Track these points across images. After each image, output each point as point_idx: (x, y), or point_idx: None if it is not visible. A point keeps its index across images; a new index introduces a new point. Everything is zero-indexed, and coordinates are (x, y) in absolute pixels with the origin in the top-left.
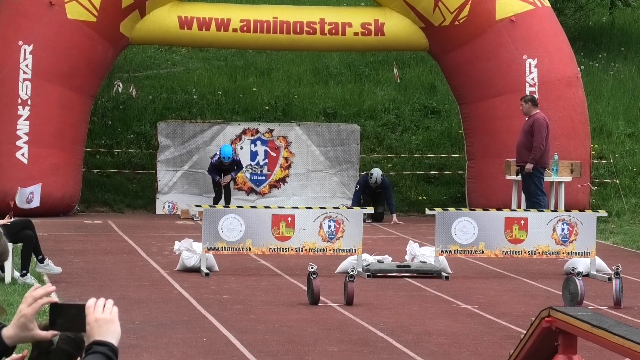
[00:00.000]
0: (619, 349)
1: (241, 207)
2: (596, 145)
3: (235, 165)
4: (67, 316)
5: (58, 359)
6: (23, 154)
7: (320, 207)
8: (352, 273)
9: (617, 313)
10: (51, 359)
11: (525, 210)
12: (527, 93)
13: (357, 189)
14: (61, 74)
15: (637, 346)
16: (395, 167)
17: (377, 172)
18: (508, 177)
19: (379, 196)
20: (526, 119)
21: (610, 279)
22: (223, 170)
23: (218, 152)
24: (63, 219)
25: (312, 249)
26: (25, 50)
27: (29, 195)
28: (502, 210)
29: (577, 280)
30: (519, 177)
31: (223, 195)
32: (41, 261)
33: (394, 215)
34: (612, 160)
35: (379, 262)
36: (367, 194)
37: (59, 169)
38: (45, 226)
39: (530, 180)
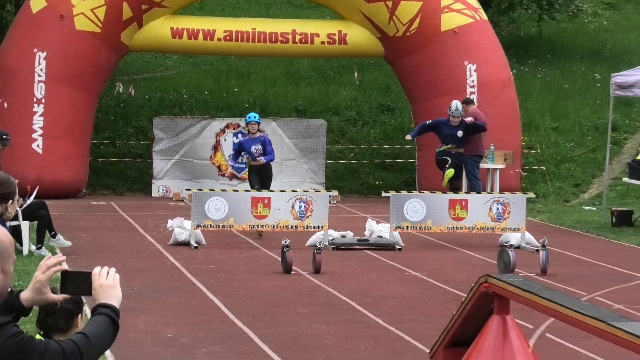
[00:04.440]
0: (545, 310)
1: (225, 190)
2: (526, 138)
3: (263, 141)
4: (75, 282)
5: (62, 317)
6: (38, 145)
7: (292, 191)
8: (319, 246)
9: (544, 279)
10: (56, 318)
11: (465, 192)
12: (468, 94)
13: (426, 122)
14: (70, 77)
15: (560, 307)
16: (356, 156)
17: (455, 102)
18: None
19: (458, 162)
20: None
21: (537, 251)
22: (259, 170)
23: (239, 135)
24: (72, 201)
25: (285, 226)
26: (39, 56)
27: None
28: (446, 192)
29: (509, 252)
30: None
31: (257, 185)
32: (54, 236)
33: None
34: (539, 150)
35: (342, 236)
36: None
37: (69, 158)
38: (57, 207)
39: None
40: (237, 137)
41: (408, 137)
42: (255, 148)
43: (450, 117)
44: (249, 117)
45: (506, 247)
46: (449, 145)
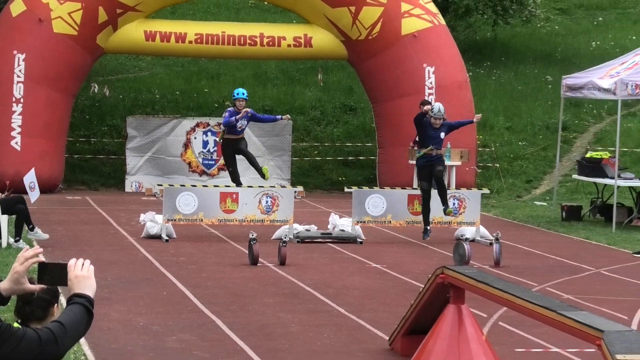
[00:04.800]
0: (498, 300)
1: (195, 186)
2: (481, 137)
3: (252, 115)
4: (52, 273)
5: (39, 306)
6: (17, 143)
7: (259, 186)
8: (285, 239)
9: (497, 271)
10: (33, 307)
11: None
12: (426, 95)
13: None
14: (48, 78)
15: (513, 297)
16: (320, 153)
17: (437, 104)
18: (410, 161)
19: (437, 161)
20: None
21: (491, 244)
22: (237, 146)
23: (232, 98)
24: (49, 195)
25: (252, 220)
26: (19, 58)
27: (32, 183)
28: (405, 188)
29: (465, 245)
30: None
31: (245, 157)
32: (31, 229)
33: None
34: (493, 149)
35: (307, 230)
36: (426, 161)
37: (46, 155)
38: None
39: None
40: (227, 113)
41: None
42: (241, 123)
43: (432, 118)
44: (238, 94)
45: (462, 240)
46: (429, 148)
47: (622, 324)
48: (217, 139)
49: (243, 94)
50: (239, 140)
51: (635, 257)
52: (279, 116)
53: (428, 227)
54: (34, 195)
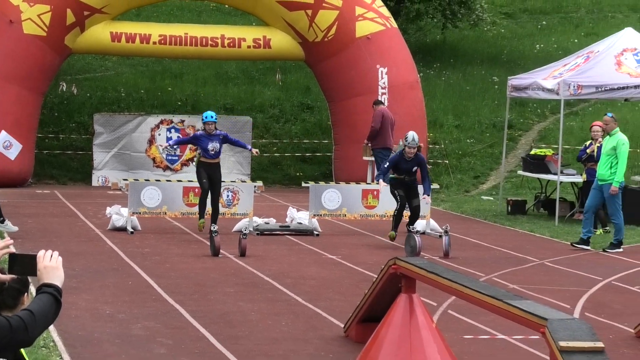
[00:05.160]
0: (448, 289)
1: (159, 180)
2: (431, 134)
3: (224, 138)
4: (22, 264)
5: (9, 295)
6: None
7: (222, 181)
8: (245, 232)
9: (446, 262)
10: (4, 296)
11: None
12: (379, 95)
13: (385, 165)
14: (18, 77)
15: (461, 287)
16: (279, 150)
17: (411, 133)
18: (364, 158)
19: (411, 185)
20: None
21: (441, 236)
22: (211, 170)
23: (202, 122)
24: (19, 189)
25: None
26: None
27: (6, 142)
28: (360, 183)
29: (416, 237)
30: (373, 158)
31: (211, 195)
32: (2, 222)
33: (427, 196)
34: (443, 146)
35: (266, 223)
36: (399, 181)
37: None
38: (5, 195)
39: (376, 159)
40: (198, 132)
41: (382, 184)
42: (213, 146)
43: (405, 147)
44: (206, 117)
45: (413, 232)
46: (402, 176)
47: (565, 313)
48: (193, 163)
49: (212, 117)
50: (213, 166)
51: (576, 249)
52: (250, 147)
53: (395, 233)
54: (13, 152)
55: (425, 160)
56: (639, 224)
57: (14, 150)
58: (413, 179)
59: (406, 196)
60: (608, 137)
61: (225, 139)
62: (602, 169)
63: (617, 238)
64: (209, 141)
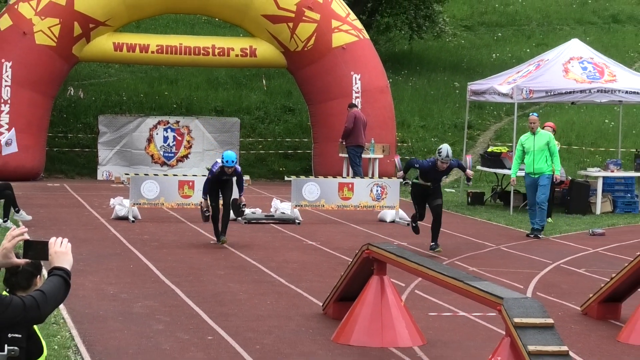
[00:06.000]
0: (414, 272)
1: (157, 175)
2: (399, 134)
3: (236, 176)
4: (35, 249)
5: (24, 277)
6: (4, 138)
7: None
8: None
9: (413, 247)
10: (19, 278)
11: (352, 177)
12: (353, 98)
13: (415, 165)
14: (31, 82)
15: (426, 269)
16: (264, 147)
17: (446, 147)
18: (340, 155)
19: (433, 191)
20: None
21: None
22: (222, 181)
23: (220, 159)
24: (32, 183)
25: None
26: (6, 65)
27: (8, 140)
28: (336, 177)
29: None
30: (347, 155)
31: (221, 216)
32: (17, 212)
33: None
34: (410, 144)
35: (253, 213)
36: (422, 189)
37: (29, 148)
38: (20, 188)
39: (350, 156)
40: (214, 168)
41: (400, 173)
42: (227, 178)
43: (438, 161)
44: (227, 162)
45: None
46: (428, 183)
47: (519, 292)
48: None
49: (232, 161)
50: (224, 180)
51: (528, 237)
52: (242, 194)
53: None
54: (7, 150)
55: (457, 162)
56: (584, 214)
57: (9, 150)
58: (437, 185)
59: (427, 198)
60: (533, 135)
61: (238, 178)
62: (539, 164)
63: (543, 224)
64: (219, 185)
